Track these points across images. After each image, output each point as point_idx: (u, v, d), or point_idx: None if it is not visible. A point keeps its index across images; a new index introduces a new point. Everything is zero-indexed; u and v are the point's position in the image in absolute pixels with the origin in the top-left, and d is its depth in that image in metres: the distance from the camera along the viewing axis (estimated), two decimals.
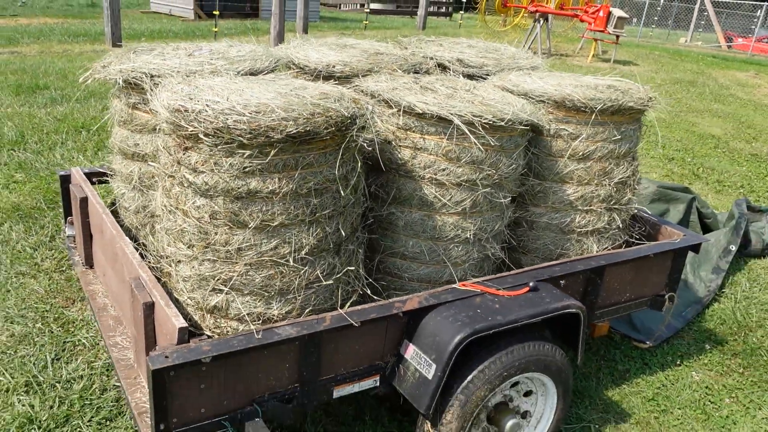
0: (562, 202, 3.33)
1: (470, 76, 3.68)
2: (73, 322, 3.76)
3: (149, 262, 2.74)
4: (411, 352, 2.66)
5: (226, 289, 2.49)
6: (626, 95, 3.20)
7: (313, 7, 18.90)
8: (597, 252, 3.42)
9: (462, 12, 25.98)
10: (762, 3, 22.23)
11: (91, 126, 6.94)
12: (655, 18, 26.93)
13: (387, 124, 2.89)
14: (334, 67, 3.34)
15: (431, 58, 3.78)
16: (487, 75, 3.68)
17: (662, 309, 3.65)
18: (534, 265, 3.12)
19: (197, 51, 3.28)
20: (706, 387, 3.76)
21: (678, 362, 3.97)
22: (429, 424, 2.70)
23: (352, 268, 2.69)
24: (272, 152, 2.29)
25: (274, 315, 2.52)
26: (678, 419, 3.46)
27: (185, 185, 2.43)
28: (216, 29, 14.48)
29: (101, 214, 3.14)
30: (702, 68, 17.10)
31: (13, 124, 6.82)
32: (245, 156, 2.29)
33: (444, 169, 2.84)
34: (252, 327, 2.43)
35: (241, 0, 20.98)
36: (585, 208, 3.34)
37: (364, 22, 18.70)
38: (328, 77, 3.31)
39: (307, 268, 2.50)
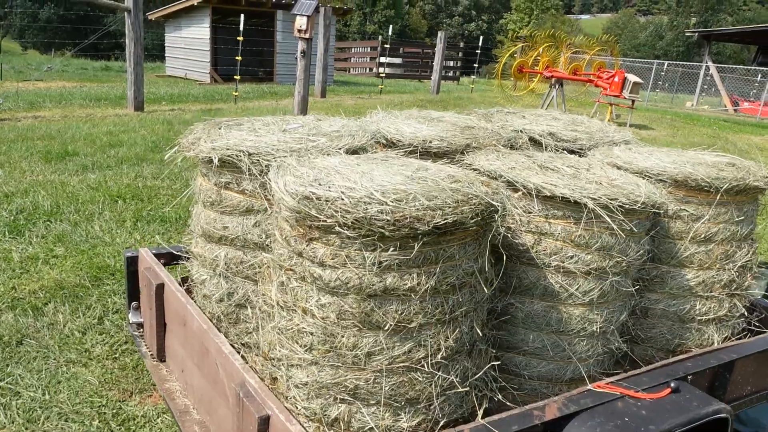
0: (681, 288, 3.06)
1: (564, 151, 3.47)
2: (134, 419, 3.43)
3: (253, 364, 2.45)
4: None
5: (350, 398, 2.19)
6: (750, 174, 2.98)
7: (329, 71, 19.10)
8: (719, 342, 3.13)
9: (473, 77, 26.33)
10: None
11: (126, 195, 6.72)
12: (659, 83, 27.32)
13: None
14: (430, 142, 3.13)
15: (521, 131, 3.59)
16: (581, 149, 3.48)
17: None
18: (665, 360, 2.82)
19: (289, 126, 3.08)
20: None
21: None
22: None
23: (487, 370, 2.40)
24: (416, 245, 2.04)
25: (403, 428, 2.21)
26: None
27: (308, 281, 2.16)
28: (236, 93, 14.50)
29: (185, 304, 2.86)
30: (717, 132, 17.13)
31: (47, 193, 6.60)
32: (385, 249, 2.04)
33: (572, 256, 2.58)
34: None
35: (254, 64, 21.23)
36: (705, 294, 3.07)
37: (380, 86, 18.84)
38: (423, 153, 3.10)
39: (441, 373, 2.22)
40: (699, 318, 3.10)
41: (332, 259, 2.10)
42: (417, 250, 2.04)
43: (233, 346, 2.73)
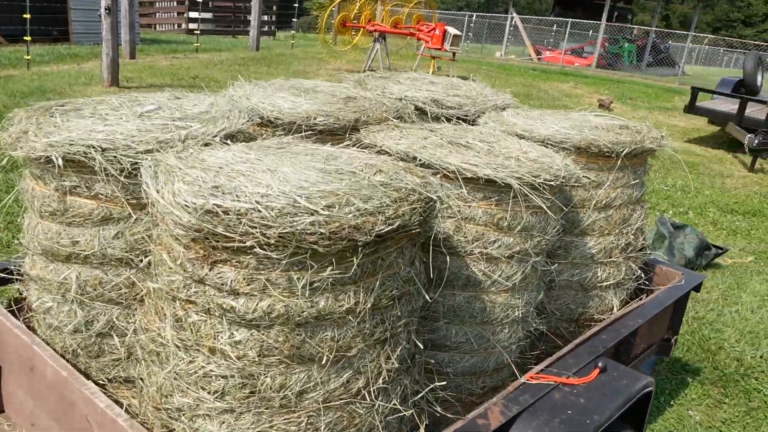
0: (583, 257, 2.98)
1: (449, 119, 3.23)
2: None
3: (139, 418, 1.95)
4: None
5: None
6: (645, 137, 2.93)
7: (135, 30, 17.31)
8: (617, 305, 3.12)
9: (292, 31, 25.37)
10: (566, 19, 24.26)
11: None
12: (470, 34, 28.41)
13: None
14: (315, 119, 2.71)
15: (401, 99, 3.28)
16: (467, 116, 3.25)
17: (669, 353, 3.46)
18: (582, 337, 2.73)
19: (145, 108, 2.49)
20: (708, 426, 3.62)
21: (671, 402, 3.81)
22: None
23: (426, 383, 2.11)
24: (355, 259, 1.66)
25: None
26: None
27: (215, 314, 1.71)
28: (28, 57, 12.60)
29: (28, 344, 2.24)
30: (529, 81, 18.14)
31: None
32: (319, 269, 1.64)
33: (494, 241, 2.35)
34: None
35: (47, 23, 18.74)
36: (605, 260, 3.03)
37: (195, 44, 17.46)
38: (308, 131, 2.68)
39: (381, 400, 1.89)
40: (600, 285, 3.05)
41: (248, 285, 1.66)
42: (356, 264, 1.67)
43: (97, 383, 2.20)
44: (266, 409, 1.76)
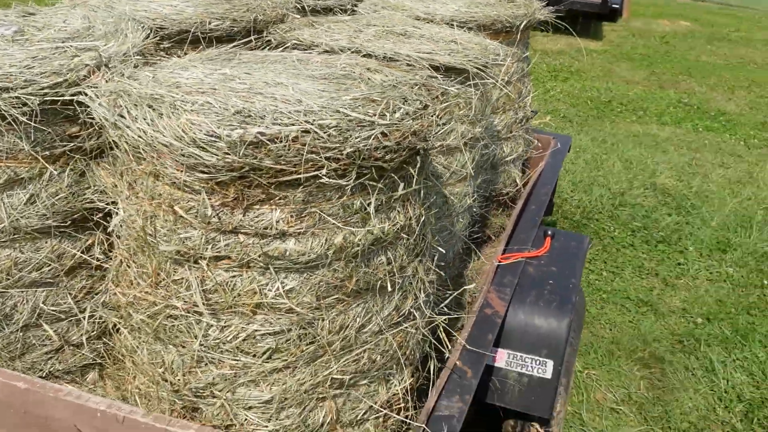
0: (492, 135, 3.02)
1: (327, 10, 2.96)
2: None
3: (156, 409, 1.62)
4: (505, 357, 2.19)
5: (338, 391, 1.62)
6: (532, 8, 2.97)
7: None
8: (518, 176, 3.26)
9: None
10: None
11: None
12: None
13: None
14: (209, 23, 2.29)
15: None
16: (343, 6, 3.01)
17: (551, 212, 3.76)
18: (515, 210, 2.82)
19: (4, 30, 1.88)
20: None
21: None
22: (539, 427, 2.31)
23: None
24: (413, 170, 1.48)
25: (397, 392, 1.75)
26: None
27: (256, 266, 1.43)
28: None
29: None
30: None
31: None
32: (380, 188, 1.44)
33: (451, 132, 2.27)
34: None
35: None
36: (508, 136, 3.11)
37: None
38: (195, 41, 2.27)
39: (423, 315, 1.78)
40: (505, 160, 3.15)
41: (298, 223, 1.40)
42: (416, 174, 1.49)
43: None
44: (325, 355, 1.56)
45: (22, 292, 1.83)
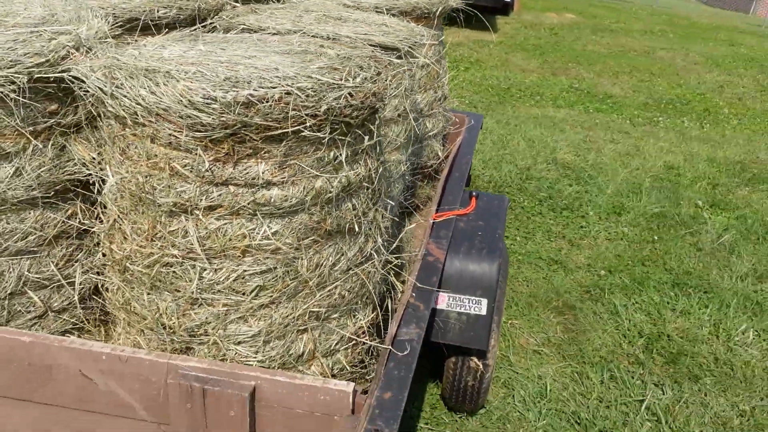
0: (416, 111, 3.34)
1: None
2: None
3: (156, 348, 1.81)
4: (446, 300, 2.50)
5: (315, 323, 1.88)
6: None
7: None
8: (440, 149, 3.59)
9: None
10: None
11: None
12: None
13: None
14: (157, 12, 2.47)
15: None
16: None
17: (469, 184, 4.12)
18: (442, 176, 3.14)
19: None
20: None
21: None
22: (477, 361, 2.64)
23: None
24: (373, 126, 1.76)
25: (363, 326, 2.03)
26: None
27: (245, 213, 1.66)
28: None
29: None
30: None
31: None
32: (347, 141, 1.70)
33: (387, 104, 2.56)
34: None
35: None
36: (429, 113, 3.43)
37: None
38: (145, 28, 2.44)
39: (381, 255, 2.06)
40: (428, 135, 3.47)
41: (280, 173, 1.64)
42: (375, 129, 1.77)
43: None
44: (303, 290, 1.81)
45: (8, 260, 1.96)
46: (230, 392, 1.66)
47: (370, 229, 1.95)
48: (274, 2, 3.05)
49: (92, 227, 1.97)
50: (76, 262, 2.10)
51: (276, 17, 2.50)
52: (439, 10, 3.15)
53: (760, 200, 5.36)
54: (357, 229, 1.85)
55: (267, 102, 1.53)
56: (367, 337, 2.03)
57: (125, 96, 1.58)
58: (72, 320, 2.14)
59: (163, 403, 1.74)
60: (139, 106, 1.57)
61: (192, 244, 1.67)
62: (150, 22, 2.43)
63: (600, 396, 3.08)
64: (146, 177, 1.66)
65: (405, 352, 1.88)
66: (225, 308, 1.76)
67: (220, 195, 1.64)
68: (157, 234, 1.71)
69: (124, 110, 1.60)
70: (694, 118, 8.41)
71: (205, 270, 1.72)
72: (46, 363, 1.78)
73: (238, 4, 2.77)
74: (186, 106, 1.52)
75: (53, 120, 1.91)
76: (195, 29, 2.22)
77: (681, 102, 9.23)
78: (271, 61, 1.73)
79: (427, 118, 3.41)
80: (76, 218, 2.02)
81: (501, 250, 2.58)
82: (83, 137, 2.00)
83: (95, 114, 1.84)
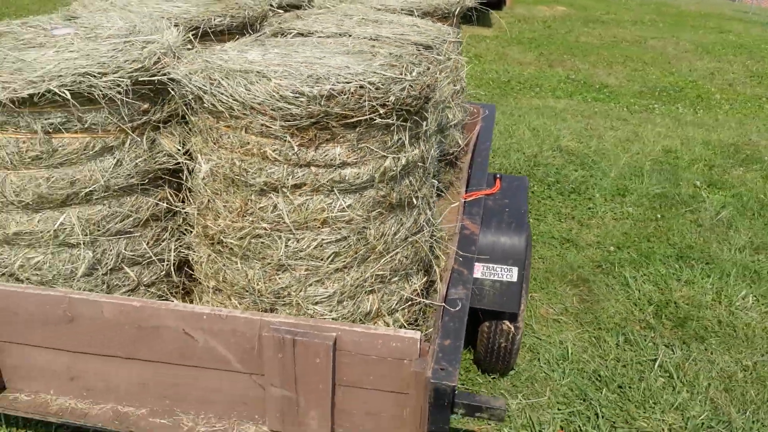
0: (440, 103, 3.64)
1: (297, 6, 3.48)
2: None
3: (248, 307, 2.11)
4: (481, 269, 2.80)
5: (379, 284, 2.18)
6: None
7: None
8: (460, 137, 3.90)
9: None
10: None
11: None
12: None
13: None
14: (214, 20, 2.77)
15: None
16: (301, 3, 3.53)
17: None
18: (467, 160, 3.44)
19: (58, 32, 2.29)
20: None
21: None
22: (509, 323, 2.94)
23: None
24: (429, 114, 2.06)
25: (416, 288, 2.33)
26: None
27: (323, 189, 1.96)
28: None
29: (63, 296, 2.10)
30: None
31: None
32: (409, 126, 2.00)
33: None
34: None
35: None
36: (450, 105, 3.73)
37: None
38: (205, 34, 2.74)
39: (430, 227, 2.36)
40: (450, 124, 3.77)
41: (353, 155, 1.94)
42: (431, 116, 2.07)
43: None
44: (371, 256, 2.11)
45: (109, 240, 2.26)
46: (317, 341, 1.95)
47: (423, 203, 2.25)
48: (306, 7, 3.35)
49: (181, 209, 2.27)
50: (163, 241, 2.39)
51: (321, 22, 2.79)
52: (458, 9, 3.45)
53: (753, 179, 5.69)
54: (414, 202, 2.16)
55: (345, 95, 1.82)
56: (421, 298, 2.33)
57: (222, 93, 1.87)
58: (158, 293, 2.44)
59: (256, 354, 2.03)
60: (235, 102, 1.86)
61: (280, 218, 1.97)
62: (208, 29, 2.73)
63: (617, 357, 3.39)
64: (239, 162, 1.96)
65: (457, 308, 2.18)
66: (306, 272, 2.06)
67: (303, 174, 1.94)
68: (248, 210, 2.01)
69: (221, 105, 1.90)
70: (687, 105, 8.74)
71: (289, 240, 2.01)
72: (153, 324, 2.08)
73: (280, 12, 3.07)
74: (278, 100, 1.81)
75: (146, 117, 2.21)
76: (260, 35, 2.51)
77: (674, 89, 9.56)
78: (341, 60, 2.03)
79: (448, 109, 3.71)
80: (164, 202, 2.32)
81: (527, 225, 2.89)
82: (168, 132, 2.30)
83: (183, 110, 2.13)
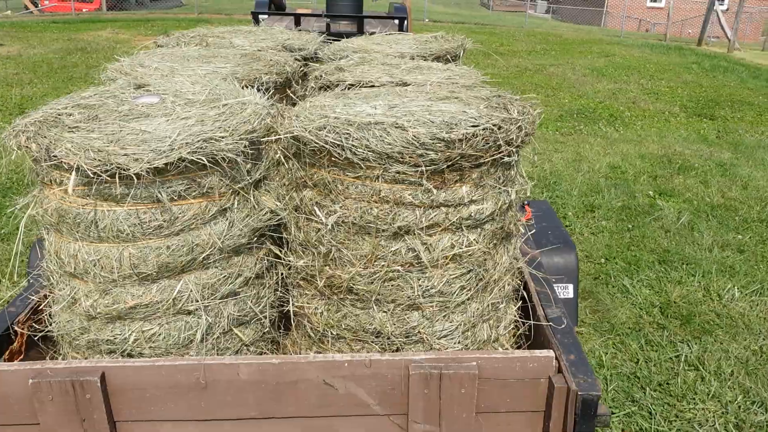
0: None
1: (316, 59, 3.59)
2: None
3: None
4: None
5: (491, 313, 2.31)
6: (461, 40, 3.85)
7: None
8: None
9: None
10: None
11: None
12: None
13: None
14: (261, 78, 2.85)
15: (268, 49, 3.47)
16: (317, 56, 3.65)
17: None
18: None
19: (145, 99, 2.30)
20: None
21: None
22: None
23: None
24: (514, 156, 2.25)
25: (513, 313, 2.47)
26: None
27: (452, 228, 2.09)
28: None
29: (196, 365, 2.07)
30: (70, 35, 16.84)
31: None
32: (515, 160, 2.17)
33: None
34: None
35: None
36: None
37: None
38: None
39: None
40: None
41: (477, 191, 2.08)
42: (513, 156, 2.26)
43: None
44: (488, 286, 2.24)
45: (220, 302, 2.25)
46: (462, 372, 2.05)
47: (516, 231, 2.41)
48: (329, 61, 3.47)
49: (294, 263, 2.30)
50: (263, 298, 2.40)
51: (368, 72, 2.92)
52: (461, 53, 3.68)
53: (695, 185, 6.27)
54: (515, 231, 2.31)
55: (477, 137, 1.97)
56: (521, 321, 2.47)
57: (356, 146, 1.96)
58: (257, 350, 2.44)
59: (398, 394, 2.09)
60: (371, 152, 1.96)
61: (414, 259, 2.07)
62: (258, 86, 2.80)
63: (646, 357, 3.65)
64: (372, 209, 2.05)
65: (562, 326, 2.34)
66: (437, 308, 2.15)
67: (435, 215, 2.05)
68: (378, 255, 2.09)
69: (355, 157, 1.98)
70: (606, 123, 9.46)
71: (420, 279, 2.11)
72: (291, 379, 2.09)
73: (317, 65, 3.17)
74: (417, 147, 1.93)
75: (249, 177, 2.25)
76: (347, 88, 2.61)
77: (588, 111, 10.32)
78: (446, 107, 2.17)
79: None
80: (270, 256, 2.34)
81: (573, 243, 3.11)
82: (264, 190, 2.34)
83: (288, 167, 2.20)
